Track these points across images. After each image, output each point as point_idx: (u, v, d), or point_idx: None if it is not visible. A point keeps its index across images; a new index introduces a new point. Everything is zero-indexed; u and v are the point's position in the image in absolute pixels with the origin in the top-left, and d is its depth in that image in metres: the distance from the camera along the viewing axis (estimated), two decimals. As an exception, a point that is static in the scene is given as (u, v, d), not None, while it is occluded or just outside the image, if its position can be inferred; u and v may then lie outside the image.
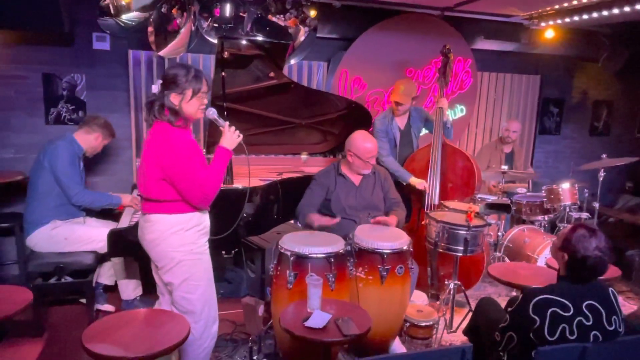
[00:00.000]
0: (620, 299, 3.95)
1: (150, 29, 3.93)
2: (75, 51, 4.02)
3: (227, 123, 2.31)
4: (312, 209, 2.94)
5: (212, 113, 2.29)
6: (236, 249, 3.12)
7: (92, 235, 3.14)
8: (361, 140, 3.00)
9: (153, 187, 2.17)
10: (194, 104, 2.20)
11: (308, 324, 2.02)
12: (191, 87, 2.17)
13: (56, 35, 3.87)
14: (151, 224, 2.22)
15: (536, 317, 1.93)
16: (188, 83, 2.16)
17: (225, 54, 3.02)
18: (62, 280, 3.09)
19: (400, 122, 3.93)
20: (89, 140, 3.28)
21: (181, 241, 2.22)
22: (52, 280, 3.09)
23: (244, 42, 3.17)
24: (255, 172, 3.86)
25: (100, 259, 3.28)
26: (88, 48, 4.04)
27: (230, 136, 2.27)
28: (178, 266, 2.23)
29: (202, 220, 2.29)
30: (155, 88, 2.21)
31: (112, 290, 3.52)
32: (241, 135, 2.30)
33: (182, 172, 2.12)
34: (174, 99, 2.16)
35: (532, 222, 4.35)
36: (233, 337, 3.06)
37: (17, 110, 3.95)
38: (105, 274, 3.40)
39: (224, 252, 4.05)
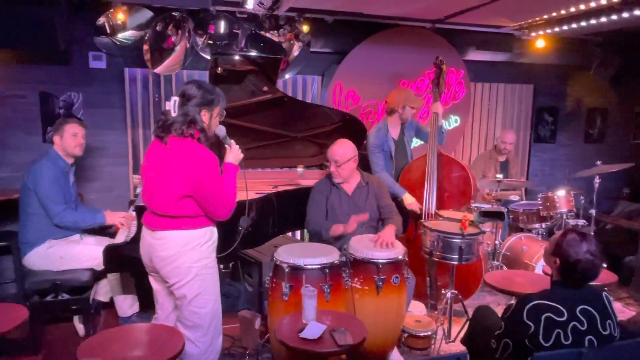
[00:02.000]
0: (619, 304, 3.97)
1: (145, 47, 3.99)
2: (71, 70, 4.07)
3: (233, 141, 2.37)
4: (320, 219, 2.94)
5: (223, 131, 2.34)
6: (232, 262, 3.11)
7: (88, 253, 3.12)
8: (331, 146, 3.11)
9: (174, 204, 2.17)
10: (216, 122, 2.27)
11: (303, 335, 2.02)
12: (219, 105, 2.24)
13: (53, 55, 3.93)
14: (166, 240, 2.20)
15: (530, 323, 1.93)
16: (218, 101, 2.23)
17: (219, 70, 3.06)
18: (59, 297, 3.09)
19: (394, 132, 3.95)
20: (57, 147, 3.16)
21: (199, 255, 2.24)
22: (49, 298, 3.08)
23: (237, 57, 3.21)
24: (252, 186, 3.87)
25: (97, 276, 3.27)
26: (84, 67, 4.10)
27: (236, 152, 2.33)
28: (194, 280, 2.24)
29: (214, 234, 2.32)
30: (170, 105, 2.19)
31: (108, 307, 3.51)
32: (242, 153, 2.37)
33: (214, 188, 2.16)
34: (204, 116, 2.20)
35: (529, 230, 4.36)
36: (231, 352, 3.04)
37: (14, 129, 3.99)
38: (101, 291, 3.39)
39: (221, 266, 4.06)
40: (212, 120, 2.25)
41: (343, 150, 3.05)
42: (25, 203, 3.12)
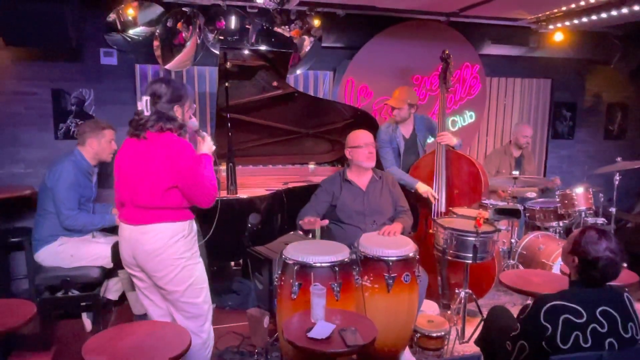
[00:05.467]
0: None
1: (156, 43, 3.98)
2: (83, 67, 4.08)
3: (206, 133, 2.42)
4: (312, 212, 2.89)
5: (195, 124, 2.41)
6: (240, 259, 3.07)
7: (98, 251, 3.12)
8: (351, 133, 3.09)
9: (160, 196, 2.20)
10: (189, 115, 2.33)
11: (311, 334, 1.97)
12: (190, 99, 2.30)
13: (64, 52, 3.93)
14: (153, 234, 2.21)
15: (548, 325, 1.85)
16: (187, 94, 2.29)
17: (228, 65, 3.03)
18: (69, 293, 3.09)
19: (405, 130, 3.87)
20: (88, 151, 3.19)
21: (184, 247, 2.27)
22: (59, 294, 3.09)
23: (246, 52, 3.17)
24: (262, 183, 3.85)
25: (107, 273, 3.27)
26: (96, 63, 4.10)
27: (209, 143, 2.38)
28: (182, 272, 2.27)
29: (194, 227, 2.36)
30: (142, 104, 2.20)
31: (119, 305, 3.51)
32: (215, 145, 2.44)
33: (198, 177, 2.21)
34: (177, 111, 2.26)
35: (546, 229, 4.25)
36: (240, 350, 3.01)
37: (27, 125, 4.01)
38: (112, 289, 3.40)
39: (232, 264, 4.04)
40: (184, 115, 2.30)
41: (366, 133, 3.04)
42: (43, 200, 3.15)
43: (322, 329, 2.00)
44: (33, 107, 4.01)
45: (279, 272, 2.49)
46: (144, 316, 3.30)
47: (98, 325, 3.21)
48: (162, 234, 2.20)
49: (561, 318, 1.83)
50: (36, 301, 3.05)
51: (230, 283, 3.79)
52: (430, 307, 3.28)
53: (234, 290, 3.77)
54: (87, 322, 3.32)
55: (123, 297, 3.46)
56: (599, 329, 1.82)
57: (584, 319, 1.82)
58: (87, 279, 3.10)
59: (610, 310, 1.84)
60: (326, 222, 2.81)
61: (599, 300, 1.86)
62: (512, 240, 4.02)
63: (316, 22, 4.13)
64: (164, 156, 2.17)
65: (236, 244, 2.93)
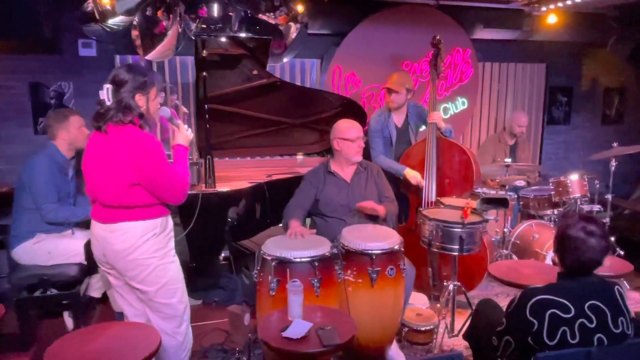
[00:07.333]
0: (638, 295, 3.74)
1: (135, 32, 3.84)
2: (61, 59, 3.96)
3: (181, 122, 2.29)
4: (299, 211, 2.80)
5: (167, 112, 2.27)
6: (220, 255, 2.98)
7: (77, 248, 3.03)
8: (341, 122, 2.98)
9: (124, 194, 2.08)
10: (156, 104, 2.17)
11: (286, 334, 1.88)
12: (155, 86, 2.14)
13: (41, 44, 3.80)
14: (121, 232, 2.11)
15: (534, 320, 1.76)
16: (153, 82, 2.13)
17: (204, 53, 2.91)
18: (48, 292, 3.01)
19: (397, 119, 3.76)
20: (61, 143, 3.08)
21: (156, 246, 2.16)
22: (37, 293, 3.00)
23: (223, 40, 3.05)
24: (248, 175, 3.75)
25: (88, 271, 3.18)
26: (74, 55, 3.98)
27: (185, 134, 2.26)
28: (155, 272, 2.16)
29: (169, 224, 2.25)
30: (103, 93, 2.06)
31: (103, 303, 3.43)
32: (193, 133, 2.32)
33: (162, 173, 2.09)
34: (139, 100, 2.10)
35: (541, 217, 4.15)
36: (224, 347, 2.93)
37: (6, 121, 3.91)
38: (94, 286, 3.31)
39: (221, 258, 3.96)
40: (149, 103, 2.14)
41: (357, 126, 2.94)
42: (19, 197, 3.05)
43: (297, 328, 1.91)
44: (11, 102, 3.90)
45: (258, 268, 2.40)
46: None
47: (79, 324, 3.13)
48: (131, 233, 2.09)
49: (548, 313, 1.74)
50: (13, 300, 2.99)
51: (216, 278, 3.71)
52: (420, 300, 3.20)
53: (220, 285, 3.68)
54: (68, 321, 3.24)
55: (106, 294, 3.37)
56: (588, 324, 1.73)
57: (572, 313, 1.73)
58: (66, 277, 3.01)
59: (600, 305, 1.75)
60: (314, 231, 2.72)
61: (587, 294, 1.76)
62: (505, 230, 3.93)
63: (299, 8, 3.99)
64: (123, 152, 2.04)
65: (216, 239, 2.84)
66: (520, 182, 3.65)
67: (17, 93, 3.90)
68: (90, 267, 3.11)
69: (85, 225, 3.34)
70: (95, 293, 3.33)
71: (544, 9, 4.34)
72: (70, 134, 3.06)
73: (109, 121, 2.05)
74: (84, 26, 3.80)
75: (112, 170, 2.06)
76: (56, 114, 3.14)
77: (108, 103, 2.05)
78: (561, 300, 1.75)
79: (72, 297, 3.05)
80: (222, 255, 3.13)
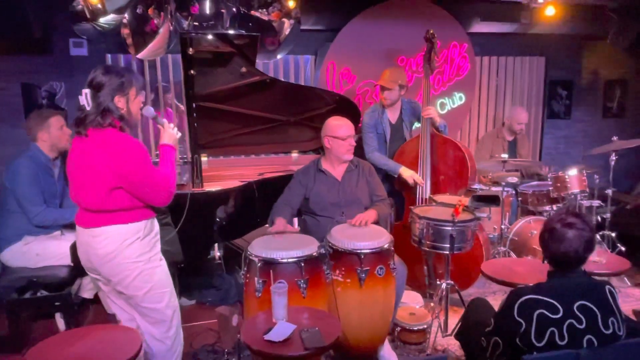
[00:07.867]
0: (638, 291, 3.67)
1: (126, 31, 3.80)
2: (52, 59, 3.93)
3: (166, 121, 2.24)
4: (286, 209, 2.76)
5: (151, 111, 2.22)
6: (209, 256, 2.95)
7: (65, 249, 3.00)
8: (332, 120, 2.93)
9: (105, 198, 2.04)
10: (137, 104, 2.12)
11: (268, 337, 1.84)
12: (134, 86, 2.09)
13: (32, 44, 3.78)
14: (104, 237, 2.07)
15: (522, 321, 1.72)
16: (131, 82, 2.08)
17: (191, 51, 2.87)
18: (38, 294, 2.99)
19: (392, 115, 3.70)
20: (42, 144, 3.04)
21: (140, 250, 2.11)
22: (27, 295, 2.99)
23: (209, 37, 3.00)
24: (240, 174, 3.70)
25: (81, 272, 3.15)
26: (65, 55, 3.95)
27: (171, 133, 2.22)
28: (140, 276, 2.12)
29: (154, 227, 2.20)
30: (82, 99, 2.03)
31: (96, 303, 3.40)
32: (180, 133, 2.26)
33: (145, 176, 2.05)
34: (119, 102, 2.06)
35: (540, 213, 4.08)
36: (215, 348, 2.90)
37: (-1, 122, 3.89)
38: (86, 287, 3.28)
39: (217, 256, 3.92)
40: (130, 104, 2.09)
41: (349, 125, 2.89)
42: (4, 200, 3.02)
43: (280, 331, 1.87)
44: (2, 103, 3.87)
45: (245, 268, 2.37)
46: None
47: (71, 325, 3.11)
48: (113, 238, 2.06)
49: (536, 313, 1.70)
50: (3, 303, 2.97)
51: (210, 278, 3.68)
52: (414, 299, 3.15)
53: (214, 285, 3.66)
54: (60, 322, 3.21)
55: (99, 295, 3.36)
56: (577, 324, 1.68)
57: (560, 314, 1.69)
58: (55, 279, 2.99)
59: (589, 305, 1.70)
60: (297, 229, 2.69)
61: (576, 294, 1.72)
62: (503, 226, 3.86)
63: (291, 4, 3.93)
64: (103, 156, 2.00)
65: (205, 238, 2.80)
66: (513, 179, 3.58)
67: (9, 94, 3.87)
68: (79, 268, 3.09)
69: (75, 226, 3.32)
70: (87, 294, 3.30)
71: (541, 1, 4.25)
72: (51, 135, 3.03)
73: (89, 126, 2.02)
74: (74, 25, 3.78)
75: (92, 174, 2.03)
76: (36, 115, 3.11)
77: (88, 108, 2.01)
78: (549, 300, 1.71)
79: (63, 298, 3.02)
80: (217, 254, 3.09)
